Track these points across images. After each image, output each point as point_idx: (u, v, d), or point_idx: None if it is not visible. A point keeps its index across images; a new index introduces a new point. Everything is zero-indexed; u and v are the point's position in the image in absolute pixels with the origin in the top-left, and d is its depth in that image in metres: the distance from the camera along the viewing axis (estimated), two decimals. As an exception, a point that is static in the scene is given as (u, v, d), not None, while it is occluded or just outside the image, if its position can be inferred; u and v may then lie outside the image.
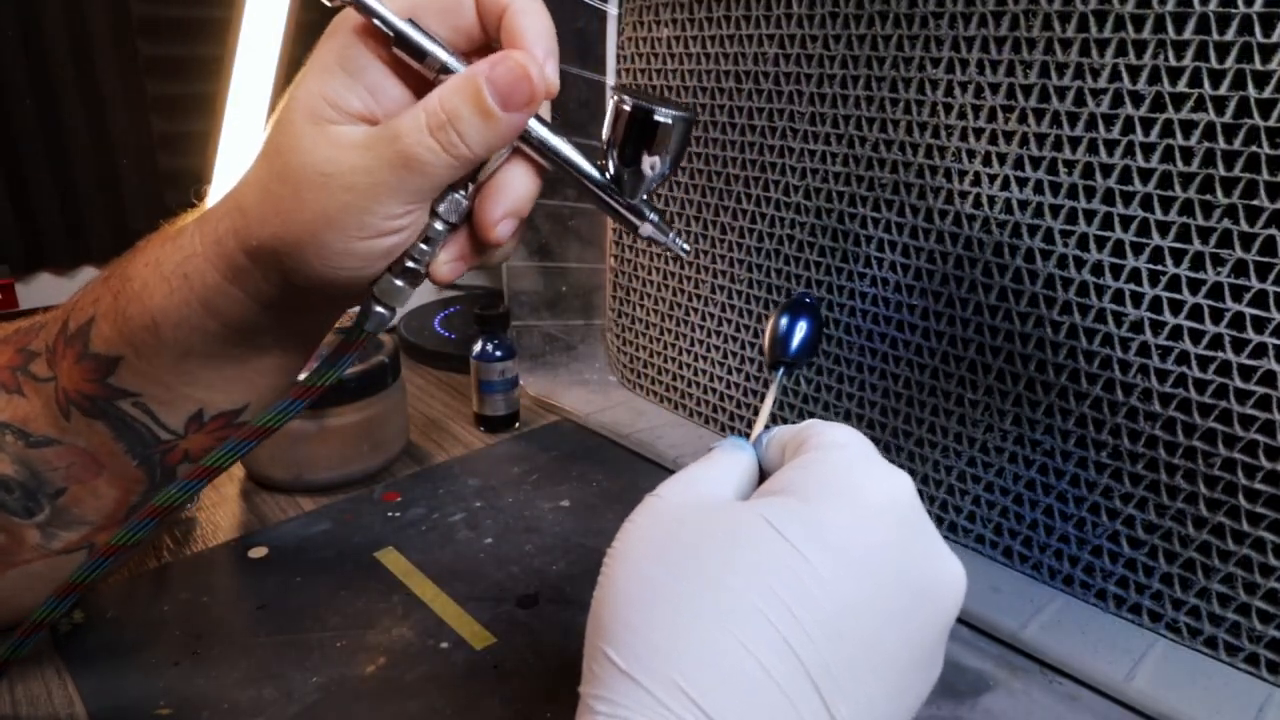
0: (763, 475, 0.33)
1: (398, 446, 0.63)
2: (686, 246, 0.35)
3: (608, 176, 0.33)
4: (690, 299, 0.65)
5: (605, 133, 0.33)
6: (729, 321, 0.63)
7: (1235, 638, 0.42)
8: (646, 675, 0.24)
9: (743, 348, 0.62)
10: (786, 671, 0.24)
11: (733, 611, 0.25)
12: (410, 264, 0.32)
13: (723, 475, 0.31)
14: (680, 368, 0.68)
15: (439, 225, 0.32)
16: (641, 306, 0.70)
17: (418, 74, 0.31)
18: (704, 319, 0.65)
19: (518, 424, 0.70)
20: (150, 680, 0.42)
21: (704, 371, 0.66)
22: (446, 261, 0.33)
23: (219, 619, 0.46)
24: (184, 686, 0.41)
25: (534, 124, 0.32)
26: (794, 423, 0.35)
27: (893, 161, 0.49)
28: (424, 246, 0.32)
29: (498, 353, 0.66)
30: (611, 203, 0.34)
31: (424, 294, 0.97)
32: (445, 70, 0.30)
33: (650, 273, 0.68)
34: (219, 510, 0.57)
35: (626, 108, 0.32)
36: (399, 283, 0.32)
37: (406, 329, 0.87)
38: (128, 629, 0.45)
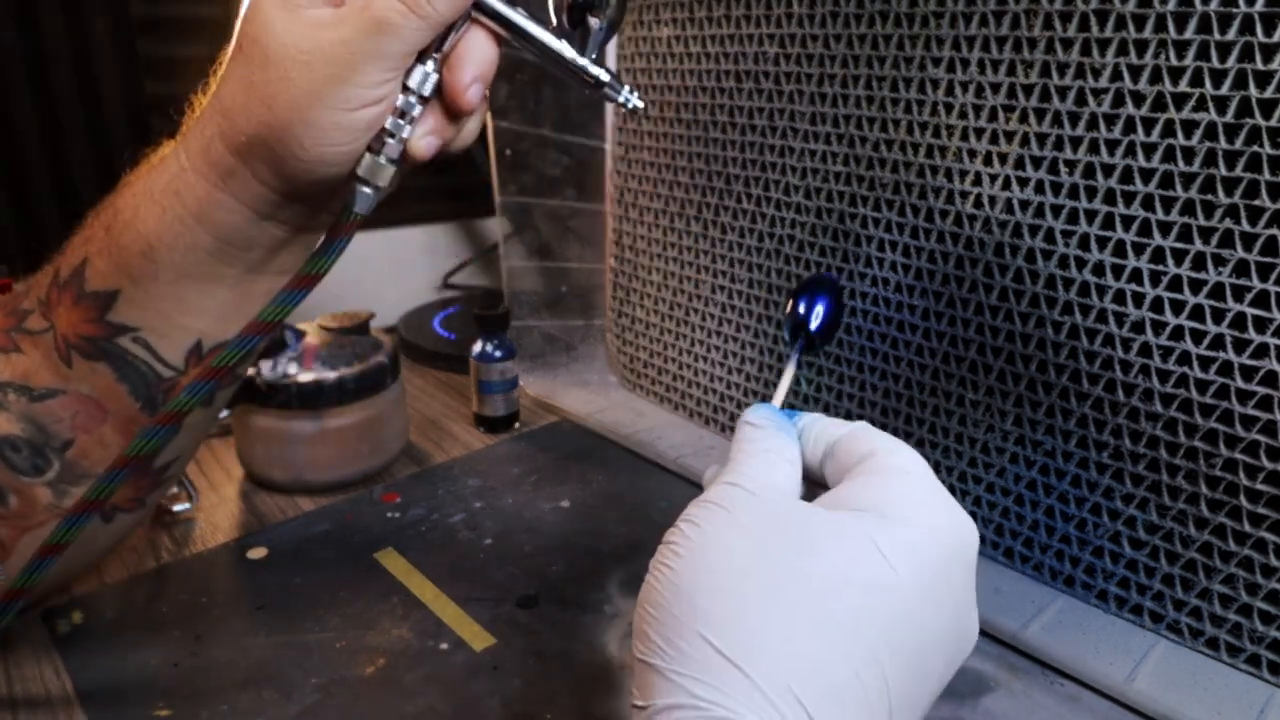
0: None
1: (397, 447, 0.63)
2: (640, 103, 0.38)
3: (560, 38, 0.36)
4: (690, 299, 0.65)
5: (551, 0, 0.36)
6: (729, 322, 0.63)
7: (1237, 639, 0.42)
8: (758, 672, 0.24)
9: (743, 348, 0.62)
10: (876, 693, 0.25)
11: (842, 626, 0.25)
12: (389, 140, 0.35)
13: (785, 466, 0.32)
14: (680, 368, 0.68)
15: (412, 98, 0.34)
16: (641, 306, 0.70)
17: None
18: (704, 319, 0.65)
19: (518, 424, 0.70)
20: (150, 681, 0.42)
21: (704, 372, 0.66)
22: (422, 136, 0.35)
23: (218, 619, 0.46)
24: (184, 687, 0.41)
25: None
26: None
27: (893, 161, 0.49)
28: (400, 120, 0.35)
29: (498, 353, 0.66)
30: (567, 59, 0.36)
31: (424, 294, 0.97)
32: None
33: (650, 273, 0.68)
34: (218, 511, 0.57)
35: None
36: (380, 159, 0.35)
37: (406, 329, 0.87)
38: (127, 630, 0.45)
